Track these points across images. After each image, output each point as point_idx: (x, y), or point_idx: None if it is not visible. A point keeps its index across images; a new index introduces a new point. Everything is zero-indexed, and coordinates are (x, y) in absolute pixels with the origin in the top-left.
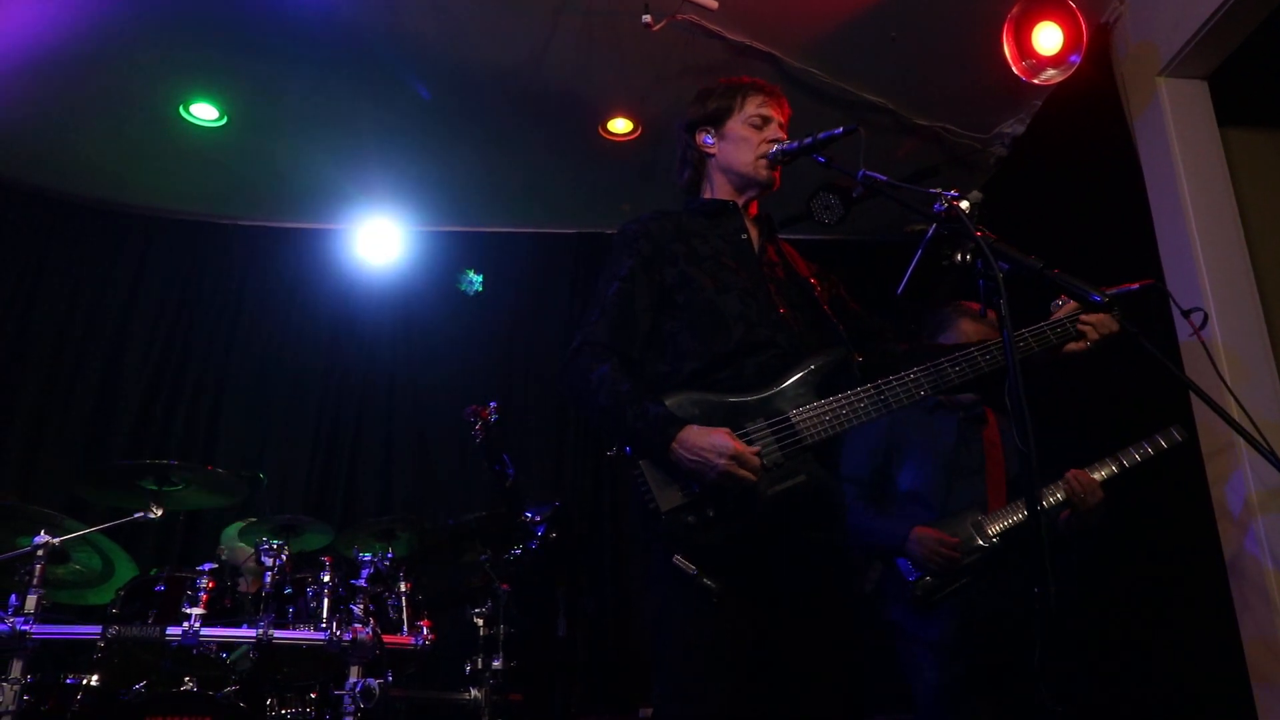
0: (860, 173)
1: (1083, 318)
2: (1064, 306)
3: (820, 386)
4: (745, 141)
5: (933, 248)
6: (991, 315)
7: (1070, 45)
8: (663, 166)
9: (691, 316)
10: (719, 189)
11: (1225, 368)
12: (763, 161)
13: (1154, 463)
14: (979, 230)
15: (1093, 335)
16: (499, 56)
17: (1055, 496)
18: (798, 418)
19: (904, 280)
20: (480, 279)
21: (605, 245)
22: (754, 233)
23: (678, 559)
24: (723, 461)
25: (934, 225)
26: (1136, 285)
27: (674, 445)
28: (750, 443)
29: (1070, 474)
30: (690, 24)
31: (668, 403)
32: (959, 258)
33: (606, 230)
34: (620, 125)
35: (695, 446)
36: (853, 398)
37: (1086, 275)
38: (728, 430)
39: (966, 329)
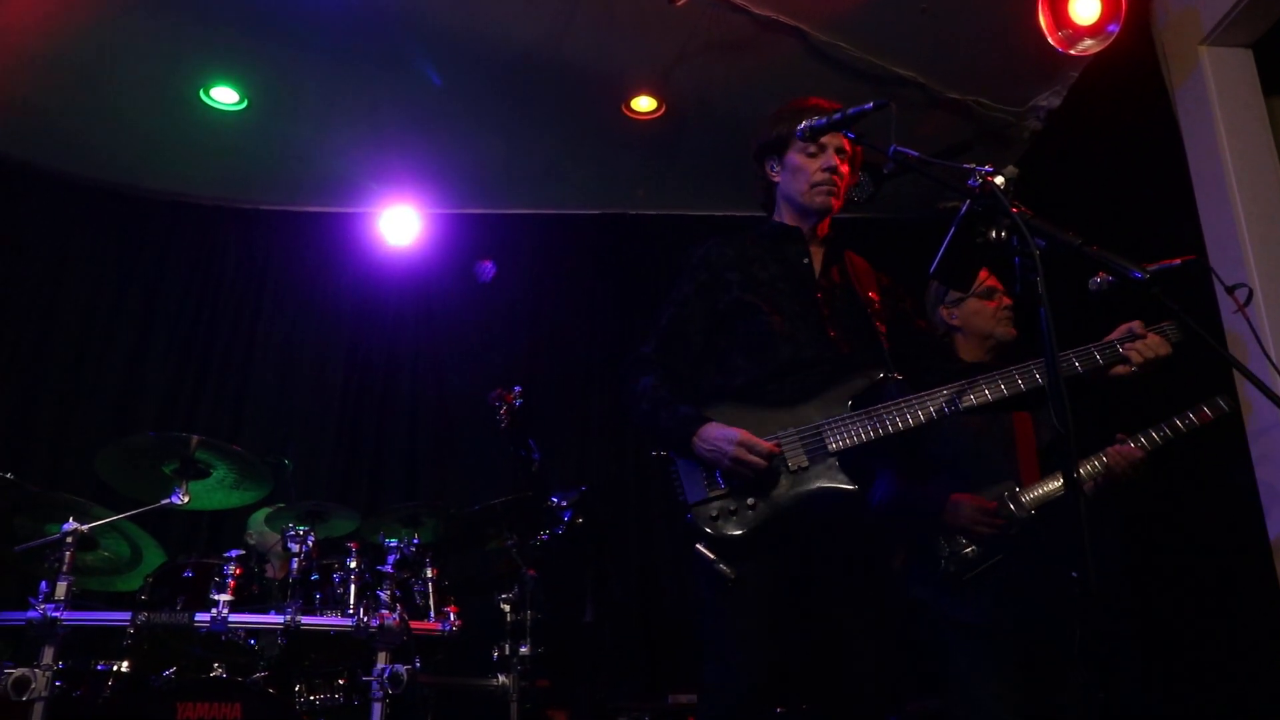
0: (891, 148)
1: (1127, 345)
2: (1116, 330)
3: (855, 402)
4: (801, 171)
5: (966, 225)
6: (1002, 302)
7: (1108, 14)
8: (687, 146)
9: (744, 338)
10: (785, 215)
11: (1271, 345)
12: (818, 189)
13: (1198, 439)
14: (1015, 206)
15: (1137, 360)
16: (520, 34)
17: (1093, 465)
18: (825, 427)
19: (937, 259)
20: (492, 266)
21: (629, 226)
22: (818, 256)
23: (699, 547)
24: (732, 448)
25: (968, 202)
26: (1178, 261)
27: (695, 439)
28: (780, 444)
29: (1112, 451)
30: None
31: (715, 411)
32: (994, 235)
33: (630, 211)
34: (644, 104)
35: (710, 438)
36: (881, 411)
37: (1126, 251)
38: (739, 429)
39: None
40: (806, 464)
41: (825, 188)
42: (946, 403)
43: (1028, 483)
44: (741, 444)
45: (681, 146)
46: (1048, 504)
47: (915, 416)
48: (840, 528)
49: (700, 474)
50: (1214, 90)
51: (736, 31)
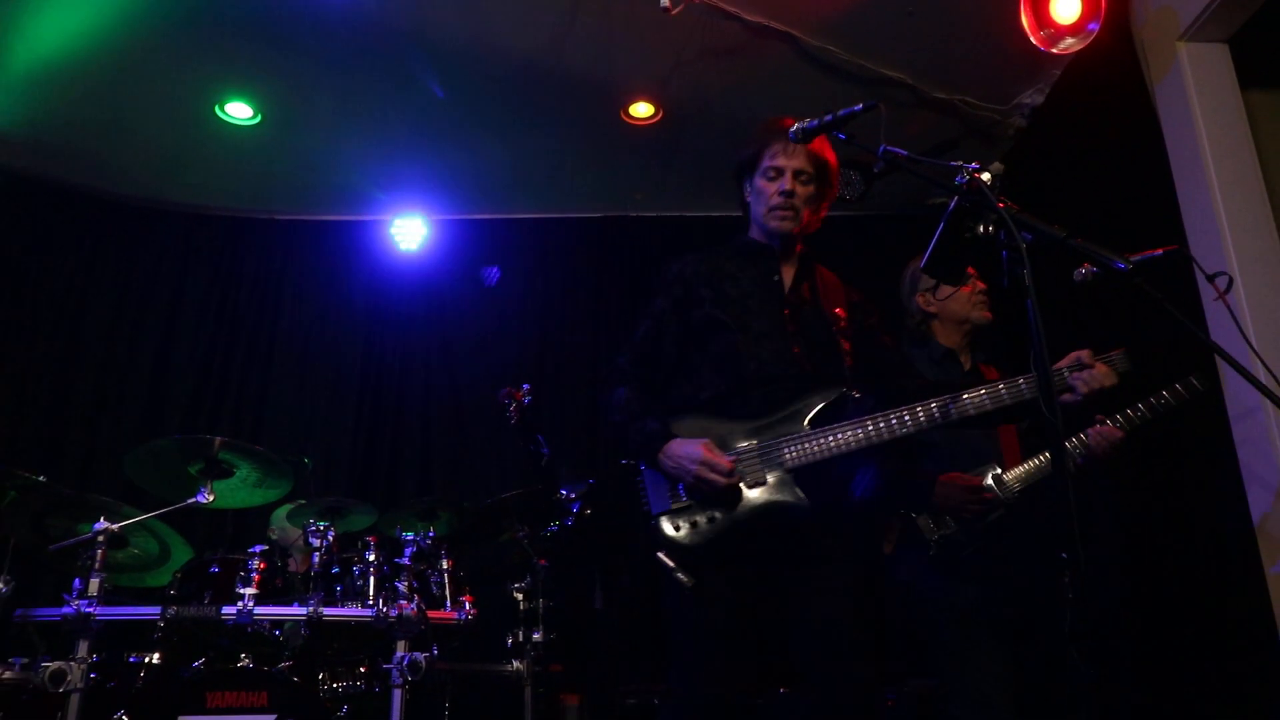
0: (881, 148)
1: (1074, 374)
2: (1065, 358)
3: (815, 419)
4: (761, 194)
5: (955, 220)
6: (976, 286)
7: (1089, 13)
8: (684, 149)
9: (713, 353)
10: (756, 234)
11: (1251, 331)
12: (774, 213)
13: (1177, 420)
14: (1001, 201)
15: (1083, 389)
16: (522, 46)
17: (1073, 445)
18: (784, 444)
19: (927, 254)
20: (497, 271)
21: (630, 227)
22: (789, 273)
23: (660, 555)
24: (694, 466)
25: (956, 198)
26: (1160, 251)
27: (660, 455)
28: (739, 461)
29: (1093, 431)
30: (708, 6)
31: (682, 423)
32: (981, 229)
33: (630, 213)
34: (642, 109)
35: (674, 454)
36: (838, 429)
37: (1109, 242)
38: (706, 441)
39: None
40: (764, 479)
41: (780, 211)
42: (903, 426)
43: (1010, 463)
44: (703, 463)
45: (679, 150)
46: (1032, 484)
47: (869, 436)
48: (800, 532)
49: (665, 485)
50: (1192, 85)
51: (730, 38)
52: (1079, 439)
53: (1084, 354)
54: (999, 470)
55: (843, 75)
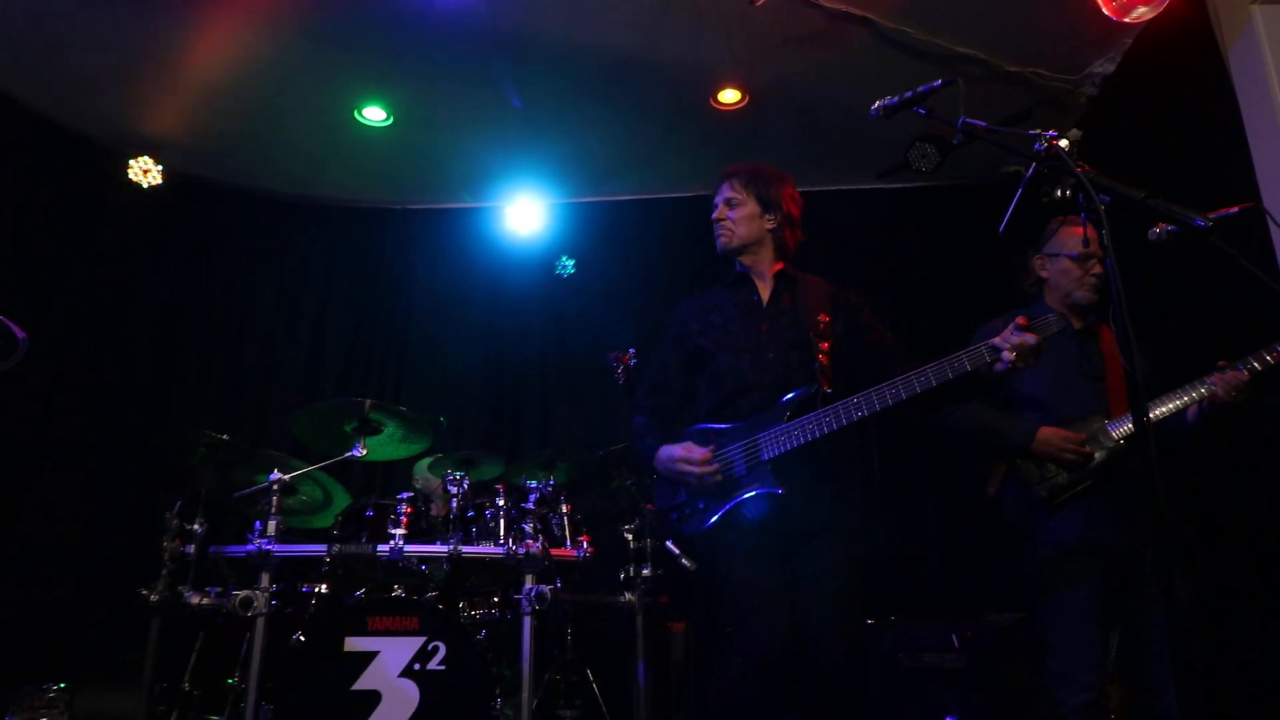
0: (960, 120)
1: (1000, 341)
2: (1006, 327)
3: (792, 415)
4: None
5: (1032, 186)
6: (1091, 269)
7: None
8: (769, 131)
9: (706, 375)
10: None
11: None
12: (715, 237)
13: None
14: (1079, 166)
15: (1009, 357)
16: (619, 41)
17: (1199, 392)
18: (762, 440)
19: (1005, 219)
20: (572, 263)
21: None
22: (767, 291)
23: (668, 544)
24: (674, 463)
25: (1033, 165)
26: (1236, 209)
27: (655, 463)
28: (727, 460)
29: (1217, 377)
30: None
31: (688, 435)
32: (1059, 194)
33: None
34: (729, 96)
35: (661, 458)
36: (805, 421)
37: (1183, 205)
38: (685, 444)
39: (1064, 236)
40: (745, 471)
41: (716, 233)
42: (857, 409)
43: (1117, 413)
44: (679, 459)
45: (765, 132)
46: (1136, 435)
47: (828, 424)
48: (781, 514)
49: (669, 488)
50: (1266, 46)
51: (811, 24)
52: (1204, 388)
53: (1020, 320)
54: (1104, 422)
55: (919, 55)
